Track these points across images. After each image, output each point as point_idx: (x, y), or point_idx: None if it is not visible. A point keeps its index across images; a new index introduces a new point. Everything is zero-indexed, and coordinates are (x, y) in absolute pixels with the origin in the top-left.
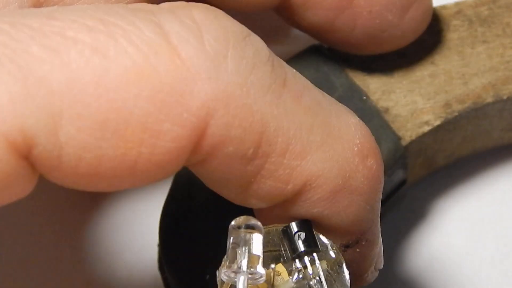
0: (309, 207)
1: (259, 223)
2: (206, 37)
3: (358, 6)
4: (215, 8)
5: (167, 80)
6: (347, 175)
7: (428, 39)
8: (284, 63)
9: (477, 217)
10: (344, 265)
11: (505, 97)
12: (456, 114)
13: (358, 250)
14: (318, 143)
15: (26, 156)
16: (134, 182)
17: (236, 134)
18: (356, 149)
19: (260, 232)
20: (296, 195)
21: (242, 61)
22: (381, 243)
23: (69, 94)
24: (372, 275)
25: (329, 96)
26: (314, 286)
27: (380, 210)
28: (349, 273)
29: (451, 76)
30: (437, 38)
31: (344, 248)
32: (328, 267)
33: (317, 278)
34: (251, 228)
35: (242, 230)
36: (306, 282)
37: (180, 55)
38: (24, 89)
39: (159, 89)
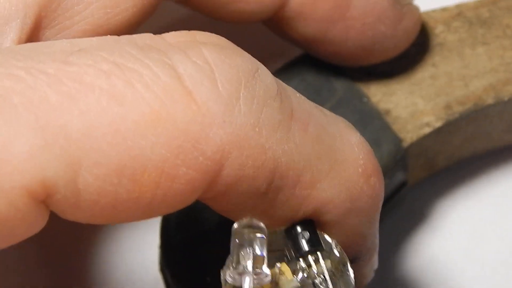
0: (319, 228)
1: (262, 224)
2: (219, 79)
3: (351, 18)
4: (223, 43)
5: (183, 126)
6: (354, 197)
7: (429, 41)
8: (289, 90)
9: (477, 219)
10: (348, 264)
11: (505, 99)
12: (456, 115)
13: (361, 263)
14: (326, 171)
15: (44, 200)
16: (146, 217)
17: (249, 173)
18: (360, 170)
19: (264, 233)
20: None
21: (253, 101)
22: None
23: (87, 143)
24: (370, 275)
25: (329, 113)
26: (318, 285)
27: (378, 221)
28: (353, 272)
29: (452, 77)
30: (437, 40)
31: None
32: (332, 266)
33: (322, 276)
34: (254, 228)
35: (246, 230)
36: (310, 281)
37: (196, 100)
38: (42, 140)
39: (176, 136)
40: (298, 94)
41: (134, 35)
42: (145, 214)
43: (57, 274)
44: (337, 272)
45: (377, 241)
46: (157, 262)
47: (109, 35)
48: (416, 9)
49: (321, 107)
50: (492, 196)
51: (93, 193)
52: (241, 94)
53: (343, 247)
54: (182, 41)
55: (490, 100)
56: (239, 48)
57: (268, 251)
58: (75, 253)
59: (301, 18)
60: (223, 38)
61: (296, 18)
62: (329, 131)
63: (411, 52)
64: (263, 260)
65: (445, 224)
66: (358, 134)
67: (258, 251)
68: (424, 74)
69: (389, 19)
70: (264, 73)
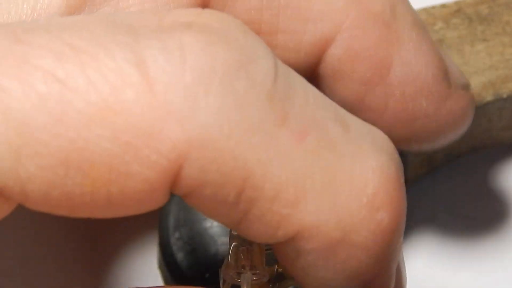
0: (304, 256)
1: None
2: (188, 68)
3: (390, 84)
4: (223, 28)
5: (133, 120)
6: (348, 228)
7: None
8: (299, 88)
9: (477, 216)
10: None
11: (504, 96)
12: None
13: None
14: (317, 191)
15: None
16: (116, 213)
17: (214, 179)
18: (365, 200)
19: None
20: (289, 243)
21: (227, 98)
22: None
23: (26, 131)
24: None
25: (356, 130)
26: None
27: (397, 254)
28: None
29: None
30: (436, 36)
31: None
32: None
33: None
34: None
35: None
36: None
37: (154, 90)
38: None
39: (124, 130)
40: (313, 99)
41: (134, 12)
42: (112, 211)
43: (57, 274)
44: None
45: (388, 280)
46: (156, 260)
47: (101, 13)
48: (469, 95)
49: (353, 121)
50: (491, 193)
51: (39, 183)
52: (212, 88)
53: (338, 282)
54: (175, 22)
55: (489, 97)
56: (241, 35)
57: (267, 250)
58: (75, 251)
59: (338, 77)
60: (237, 21)
61: (333, 77)
62: (338, 148)
63: None
64: (262, 259)
65: (444, 220)
66: (385, 159)
67: (256, 250)
68: None
69: (432, 95)
70: (259, 68)
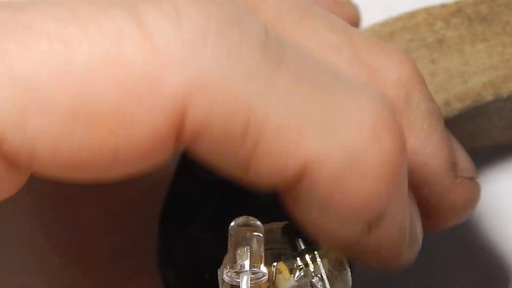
0: (317, 189)
1: (259, 222)
2: (184, 23)
3: None
4: None
5: (136, 68)
6: (354, 155)
7: (428, 38)
8: (291, 47)
9: (477, 215)
10: (346, 263)
11: (505, 96)
12: (455, 112)
13: (382, 230)
14: (318, 125)
15: None
16: (122, 171)
17: (218, 120)
18: (366, 130)
19: (261, 231)
20: (300, 181)
21: (223, 47)
22: (416, 222)
23: (34, 86)
24: (409, 256)
25: (347, 78)
26: (316, 284)
27: (405, 185)
28: (351, 271)
29: (451, 74)
30: (436, 36)
31: (368, 231)
32: (330, 265)
33: (319, 275)
34: (252, 227)
35: (243, 229)
36: (307, 280)
37: (153, 42)
38: None
39: (128, 78)
40: (303, 53)
41: None
42: (117, 167)
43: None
44: (334, 271)
45: (402, 207)
46: (155, 260)
47: None
48: (474, 186)
49: (342, 72)
50: (491, 193)
51: (48, 139)
52: (208, 40)
53: (355, 209)
54: None
55: (489, 97)
56: (232, 2)
57: (265, 250)
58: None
59: None
60: None
61: None
62: (331, 89)
63: (410, 49)
64: (261, 258)
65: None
66: (377, 98)
67: (255, 250)
68: (423, 70)
69: (435, 185)
70: (250, 21)
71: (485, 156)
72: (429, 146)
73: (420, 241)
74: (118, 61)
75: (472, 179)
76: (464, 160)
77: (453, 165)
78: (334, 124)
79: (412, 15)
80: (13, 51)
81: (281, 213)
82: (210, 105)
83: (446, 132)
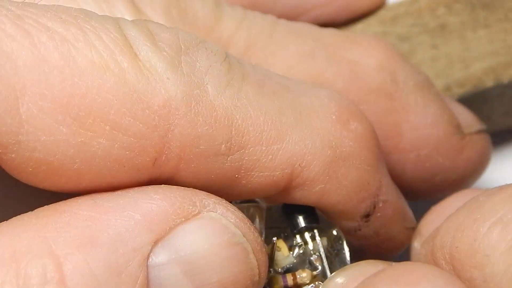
0: (311, 187)
1: (260, 199)
2: (160, 43)
3: (404, 150)
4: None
5: (130, 77)
6: (333, 144)
7: (430, 23)
8: (246, 62)
9: None
10: (344, 242)
11: (505, 82)
12: (456, 97)
13: (379, 214)
14: (293, 123)
15: None
16: (94, 180)
17: (203, 131)
18: (334, 117)
19: (261, 208)
20: (292, 181)
21: (195, 64)
22: (403, 200)
23: (34, 73)
24: (405, 235)
25: (296, 79)
26: (314, 262)
27: (386, 168)
28: (349, 250)
29: (452, 59)
30: (438, 21)
31: (366, 219)
32: (328, 244)
33: (317, 254)
34: (252, 203)
35: (244, 206)
36: (306, 258)
37: (139, 57)
38: None
39: (123, 84)
40: (257, 66)
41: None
42: (90, 174)
43: None
44: (332, 250)
45: (392, 190)
46: None
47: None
48: (482, 138)
49: (291, 78)
50: (492, 178)
51: (36, 126)
52: (182, 58)
53: (351, 200)
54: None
55: (490, 83)
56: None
57: (266, 227)
58: None
59: None
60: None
61: None
62: (290, 89)
63: (412, 34)
64: (261, 234)
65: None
66: (329, 90)
67: (256, 226)
68: (424, 55)
69: (447, 150)
70: (211, 44)
71: None
72: (429, 117)
73: (414, 223)
74: (114, 68)
75: (479, 132)
76: (466, 117)
77: (458, 127)
78: (306, 119)
79: (414, 0)
80: (19, 39)
81: None
82: (194, 117)
83: (440, 97)
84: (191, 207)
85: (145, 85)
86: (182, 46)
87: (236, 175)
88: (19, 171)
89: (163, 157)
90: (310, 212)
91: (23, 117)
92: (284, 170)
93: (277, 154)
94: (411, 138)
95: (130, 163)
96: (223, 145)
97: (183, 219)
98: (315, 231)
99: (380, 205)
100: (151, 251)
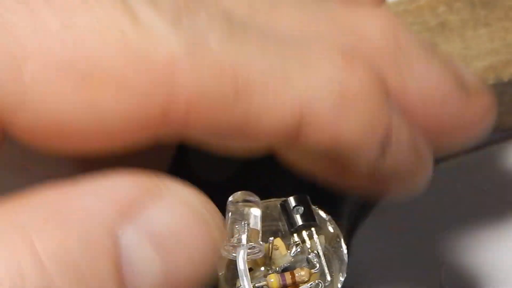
0: (322, 126)
1: (257, 198)
2: (159, 3)
3: (409, 105)
4: None
5: (132, 36)
6: (341, 85)
7: (430, 21)
8: (248, 19)
9: (478, 201)
10: (342, 239)
11: (506, 80)
12: None
13: (394, 150)
14: (298, 68)
15: None
16: (103, 141)
17: (210, 84)
18: (339, 61)
19: (258, 207)
20: (302, 122)
21: (196, 21)
22: (416, 136)
23: (35, 38)
24: (422, 178)
25: (299, 36)
26: (312, 260)
27: (393, 104)
28: (347, 248)
29: (453, 58)
30: (439, 20)
31: (383, 154)
32: (326, 242)
33: (315, 252)
34: (249, 202)
35: (241, 204)
36: (304, 256)
37: (139, 16)
38: None
39: (126, 42)
40: (261, 24)
41: None
42: (98, 137)
43: None
44: (331, 248)
45: (403, 128)
46: None
47: None
48: (487, 95)
49: (299, 36)
50: (492, 179)
51: (41, 91)
52: (182, 15)
53: (366, 136)
54: None
55: (490, 81)
56: None
57: (263, 226)
58: None
59: None
60: None
61: None
62: (294, 40)
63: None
64: (258, 234)
65: (446, 204)
66: (335, 44)
67: (252, 225)
68: None
69: (453, 106)
70: (211, 5)
71: (485, 140)
72: (434, 75)
73: (431, 166)
74: (115, 27)
75: (482, 90)
76: (469, 76)
77: (462, 82)
78: (310, 64)
79: None
80: (18, 9)
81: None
82: (200, 70)
83: (443, 56)
84: (158, 188)
85: (147, 43)
86: (182, 4)
87: (246, 123)
88: (29, 136)
89: (171, 113)
90: (307, 210)
91: (26, 82)
92: (293, 110)
93: (285, 97)
94: (417, 92)
95: (138, 120)
96: (231, 94)
97: (151, 198)
98: (313, 229)
99: (394, 142)
100: (121, 229)
